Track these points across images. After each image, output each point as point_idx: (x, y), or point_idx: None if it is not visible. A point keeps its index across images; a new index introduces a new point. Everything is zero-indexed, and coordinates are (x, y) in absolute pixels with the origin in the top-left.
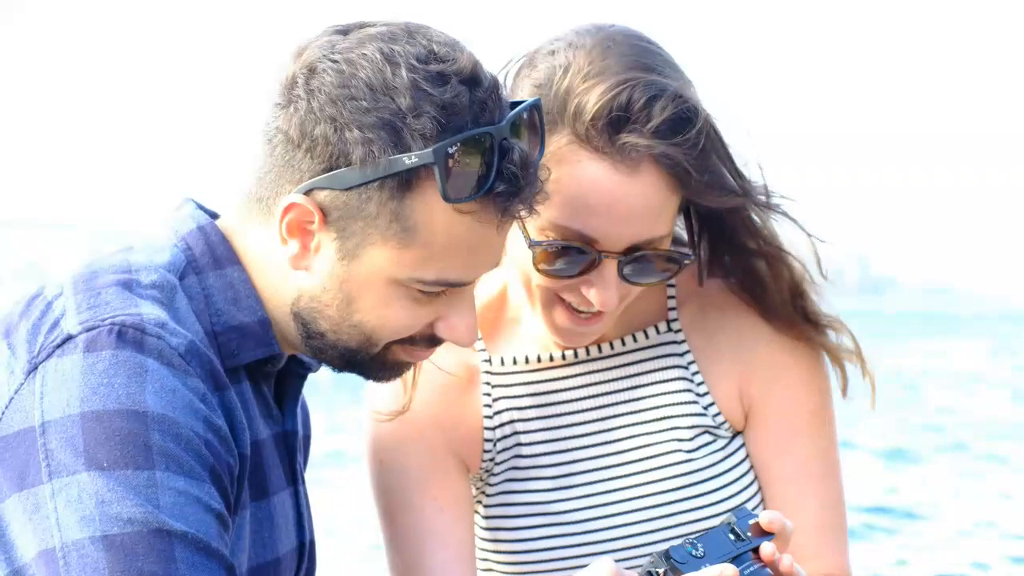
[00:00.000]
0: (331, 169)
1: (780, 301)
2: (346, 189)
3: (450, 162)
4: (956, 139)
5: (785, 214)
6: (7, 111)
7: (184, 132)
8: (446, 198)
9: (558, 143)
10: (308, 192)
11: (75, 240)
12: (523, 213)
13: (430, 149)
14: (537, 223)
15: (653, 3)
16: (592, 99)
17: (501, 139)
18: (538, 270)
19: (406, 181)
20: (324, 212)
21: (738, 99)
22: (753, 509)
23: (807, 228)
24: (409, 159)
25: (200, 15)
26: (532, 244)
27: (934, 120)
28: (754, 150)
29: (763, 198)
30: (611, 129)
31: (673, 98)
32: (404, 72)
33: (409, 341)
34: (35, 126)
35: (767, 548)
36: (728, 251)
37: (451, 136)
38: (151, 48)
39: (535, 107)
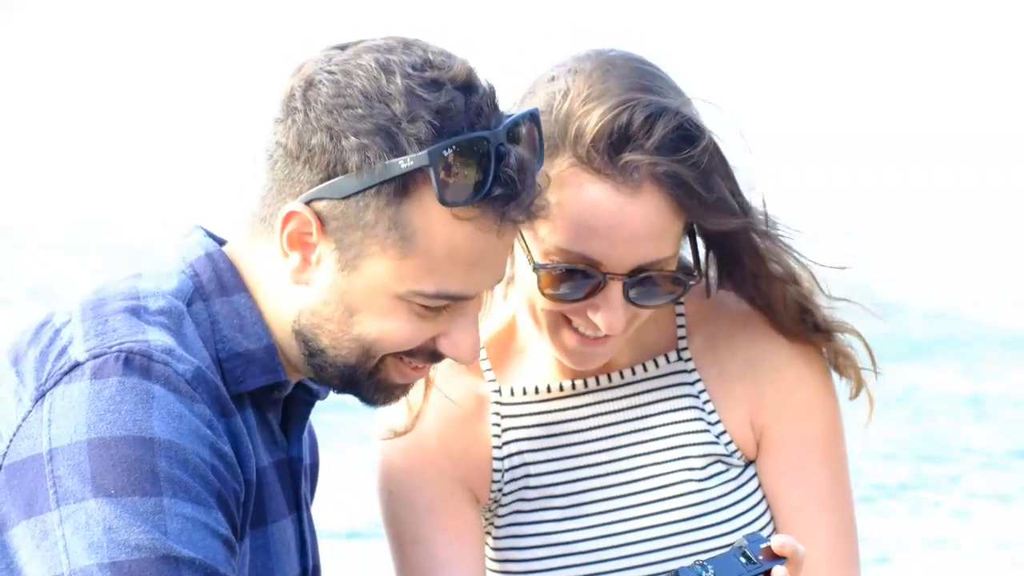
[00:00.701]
0: (329, 178)
1: (789, 318)
2: (344, 198)
3: (445, 165)
4: (964, 154)
5: (787, 247)
6: (18, 129)
7: (198, 148)
8: (443, 201)
9: (560, 167)
10: (308, 202)
11: (86, 261)
12: (520, 218)
13: (425, 152)
14: (542, 248)
15: (650, 4)
16: (592, 121)
17: (498, 144)
18: (543, 294)
19: (403, 186)
20: (322, 221)
21: (740, 116)
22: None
23: (808, 258)
24: (405, 163)
25: (219, 27)
26: (536, 268)
27: (940, 137)
28: (759, 174)
29: (763, 225)
30: (612, 150)
31: (675, 115)
32: (399, 79)
33: (407, 354)
34: (44, 145)
35: (778, 572)
36: (734, 270)
37: (446, 139)
38: (165, 61)
39: (532, 116)
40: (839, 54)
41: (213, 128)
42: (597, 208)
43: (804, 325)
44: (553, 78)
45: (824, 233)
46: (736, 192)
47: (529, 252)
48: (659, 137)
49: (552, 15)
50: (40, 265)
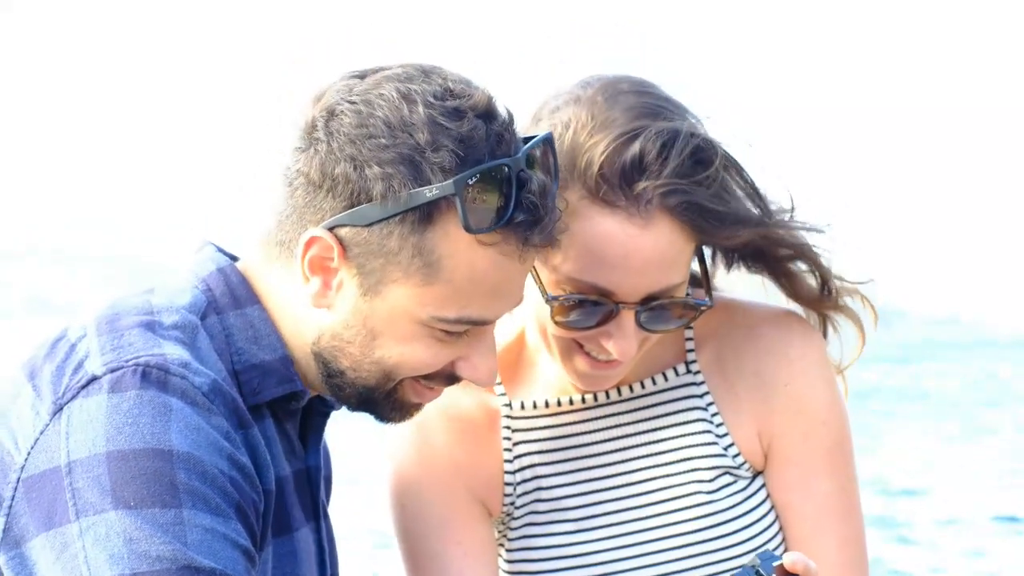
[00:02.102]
0: (353, 206)
1: (808, 289)
2: (367, 225)
3: (470, 193)
4: (967, 158)
5: (814, 228)
6: (15, 139)
7: (198, 157)
8: (468, 228)
9: (570, 198)
10: (330, 229)
11: (83, 272)
12: (542, 242)
13: (450, 181)
14: (553, 277)
15: (650, 4)
16: (599, 152)
17: (519, 170)
18: (556, 323)
19: (427, 215)
20: (344, 247)
21: (746, 121)
22: (775, 549)
23: (828, 244)
24: (430, 192)
25: (217, 30)
26: (549, 300)
27: (943, 140)
28: (772, 174)
29: (781, 226)
30: (624, 181)
31: (688, 139)
32: (421, 109)
33: (425, 377)
34: (42, 154)
35: None
36: (749, 257)
37: (470, 168)
38: (165, 68)
39: (547, 140)
40: (839, 55)
41: (212, 138)
42: (608, 239)
43: (823, 293)
44: (557, 108)
45: (833, 241)
46: (754, 195)
47: (541, 282)
48: (675, 165)
49: (552, 15)
50: (39, 276)
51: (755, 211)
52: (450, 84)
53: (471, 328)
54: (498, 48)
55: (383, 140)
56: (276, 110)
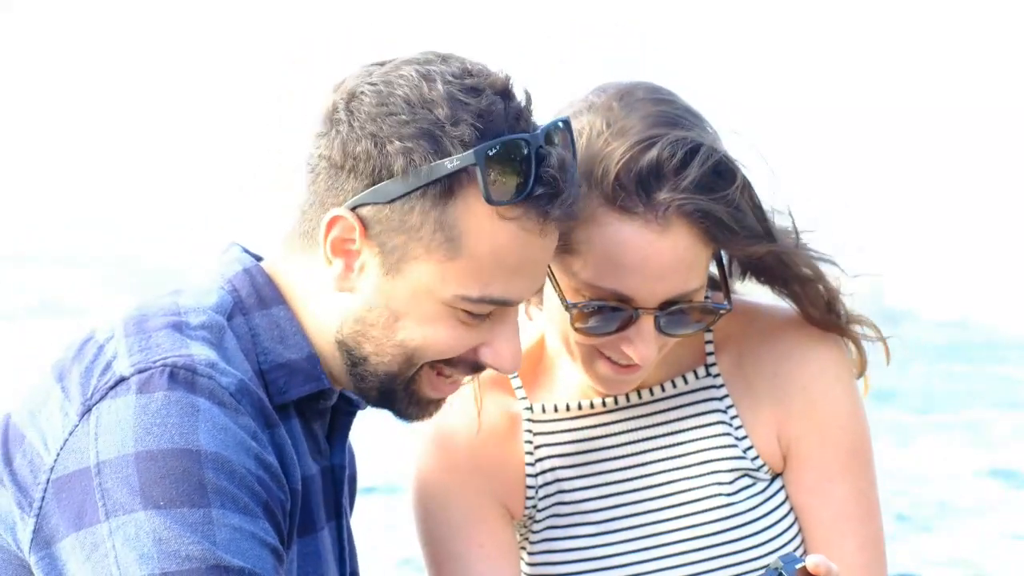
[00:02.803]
0: (374, 184)
1: (819, 312)
2: (389, 202)
3: (490, 165)
4: (974, 160)
5: (819, 254)
6: (18, 140)
7: (201, 159)
8: (489, 200)
9: (588, 205)
10: (352, 209)
11: (86, 274)
12: (559, 214)
13: (471, 151)
14: (572, 283)
15: (650, 4)
16: (616, 159)
17: (537, 146)
18: (575, 329)
19: (448, 188)
20: (366, 226)
21: (750, 125)
22: (795, 551)
23: (836, 263)
24: (451, 163)
25: (216, 33)
26: (569, 307)
27: (950, 143)
28: (780, 191)
29: (792, 247)
30: (641, 188)
31: (710, 153)
32: (440, 86)
33: (448, 363)
34: (46, 156)
35: None
36: (763, 275)
37: (489, 140)
38: (166, 71)
39: (565, 123)
40: (841, 54)
41: (212, 138)
42: (626, 245)
43: (831, 317)
44: (572, 115)
45: (835, 244)
46: (762, 218)
47: (560, 289)
48: (695, 177)
49: (552, 15)
50: (42, 279)
51: (763, 234)
52: (468, 65)
53: (494, 311)
54: (498, 48)
55: (403, 116)
56: (276, 110)
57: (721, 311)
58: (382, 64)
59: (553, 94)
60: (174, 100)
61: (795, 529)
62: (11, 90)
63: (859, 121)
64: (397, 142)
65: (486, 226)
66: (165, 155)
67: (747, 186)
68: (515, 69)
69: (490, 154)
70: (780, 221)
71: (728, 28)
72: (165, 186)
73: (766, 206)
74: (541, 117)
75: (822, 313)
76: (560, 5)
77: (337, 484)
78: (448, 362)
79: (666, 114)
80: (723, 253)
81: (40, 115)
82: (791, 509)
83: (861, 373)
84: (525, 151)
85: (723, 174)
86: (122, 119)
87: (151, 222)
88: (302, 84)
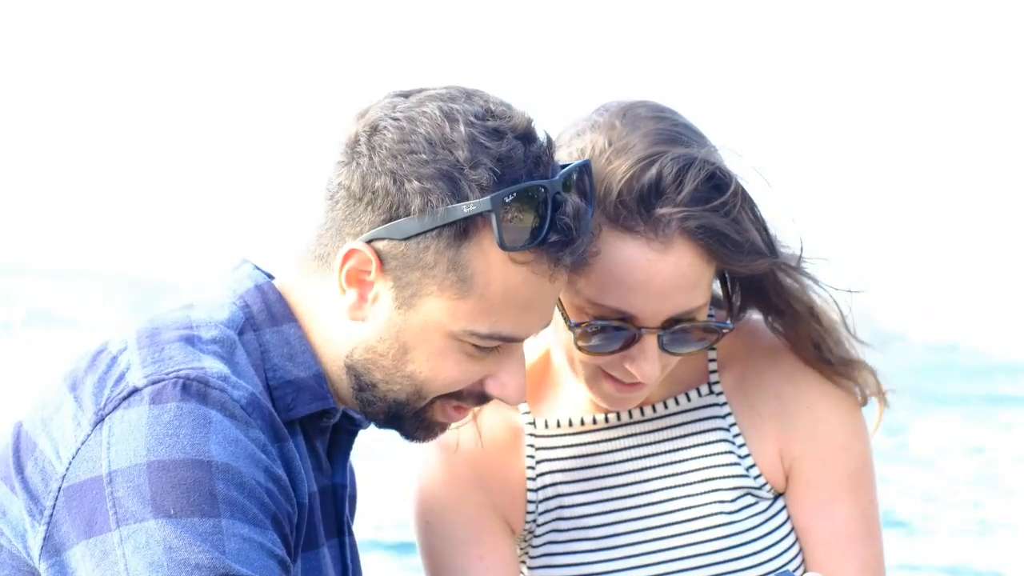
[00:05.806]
0: (391, 220)
1: (808, 352)
2: (405, 239)
3: (506, 211)
4: (966, 186)
5: (812, 280)
6: (16, 153)
7: (200, 174)
8: (502, 246)
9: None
10: (368, 242)
11: (83, 286)
12: (570, 262)
13: (487, 197)
14: (576, 301)
15: (650, 3)
16: (617, 178)
17: (555, 192)
18: (579, 348)
19: (463, 230)
20: (382, 260)
21: (747, 136)
22: (795, 570)
23: (837, 288)
24: (467, 207)
25: (217, 40)
26: (572, 326)
27: (942, 167)
28: (784, 209)
29: (792, 262)
30: (642, 206)
31: (703, 165)
32: (462, 127)
33: (456, 396)
34: (43, 169)
35: None
36: (760, 304)
37: (507, 187)
38: (167, 81)
39: (585, 168)
40: (839, 67)
41: (213, 153)
42: (629, 264)
43: (820, 360)
44: (575, 135)
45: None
46: (763, 231)
47: (563, 308)
48: (690, 190)
49: (552, 15)
50: (38, 290)
51: (765, 248)
52: (491, 106)
53: (501, 345)
54: (498, 48)
55: (424, 156)
56: (280, 123)
57: (724, 330)
58: (407, 96)
59: (559, 103)
60: (176, 116)
61: (796, 549)
62: (11, 94)
63: (858, 139)
64: (416, 182)
65: (498, 269)
66: (166, 171)
67: (745, 198)
68: (515, 69)
69: (506, 201)
70: (784, 242)
71: (728, 30)
72: (165, 201)
73: (769, 224)
74: (552, 128)
75: (809, 353)
76: (560, 5)
77: (338, 502)
78: (457, 395)
79: (667, 132)
80: (726, 273)
81: (39, 126)
82: (792, 529)
83: (863, 403)
84: (541, 198)
85: (718, 185)
86: (123, 133)
87: (142, 234)
88: (308, 92)
